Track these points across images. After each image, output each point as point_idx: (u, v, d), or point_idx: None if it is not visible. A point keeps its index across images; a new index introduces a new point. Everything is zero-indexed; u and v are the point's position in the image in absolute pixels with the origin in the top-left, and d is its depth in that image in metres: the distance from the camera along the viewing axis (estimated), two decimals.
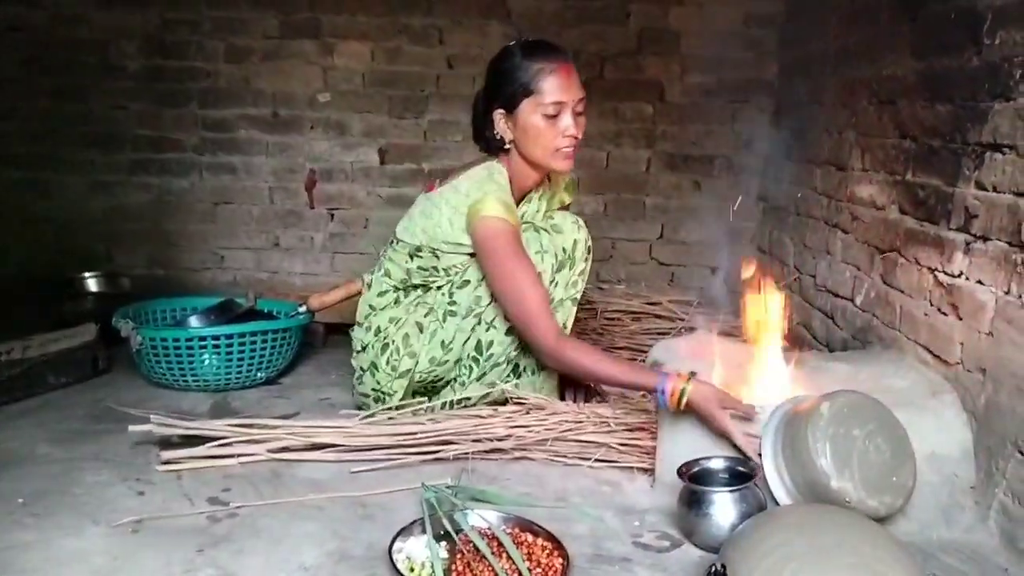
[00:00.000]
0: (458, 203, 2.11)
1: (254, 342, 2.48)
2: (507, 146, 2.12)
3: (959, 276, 1.88)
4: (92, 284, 3.23)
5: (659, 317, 3.15)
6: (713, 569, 1.34)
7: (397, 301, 2.25)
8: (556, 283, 2.17)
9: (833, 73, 2.79)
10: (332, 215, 3.64)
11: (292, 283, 3.64)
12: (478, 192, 2.07)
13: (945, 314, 1.93)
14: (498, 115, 2.10)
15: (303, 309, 2.61)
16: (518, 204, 2.21)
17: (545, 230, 2.19)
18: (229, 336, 2.45)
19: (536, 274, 2.06)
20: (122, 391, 2.48)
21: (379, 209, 3.61)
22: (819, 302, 2.77)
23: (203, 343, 2.44)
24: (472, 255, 2.13)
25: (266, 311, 2.77)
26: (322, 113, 3.55)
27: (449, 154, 3.52)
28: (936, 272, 1.98)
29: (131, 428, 1.97)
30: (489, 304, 2.14)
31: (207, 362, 2.47)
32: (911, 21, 2.20)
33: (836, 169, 2.68)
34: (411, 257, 2.19)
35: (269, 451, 1.96)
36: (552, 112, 2.04)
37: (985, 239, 1.78)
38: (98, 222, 3.58)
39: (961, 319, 1.86)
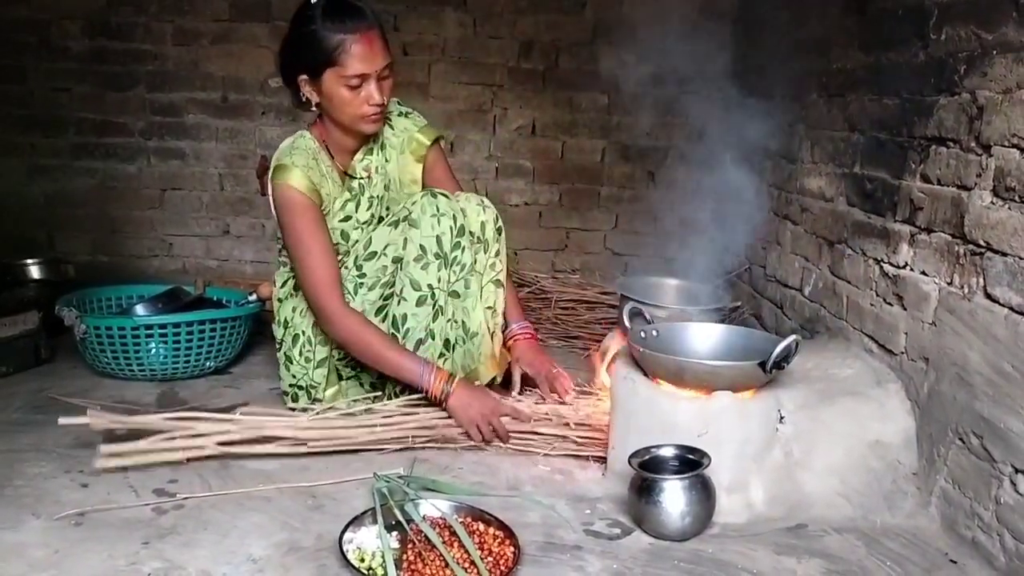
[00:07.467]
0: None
1: (203, 331, 2.43)
2: (314, 108, 2.11)
3: (904, 267, 1.92)
4: (34, 271, 3.12)
5: (613, 307, 3.17)
6: None
7: (296, 288, 2.18)
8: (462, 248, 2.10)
9: (784, 66, 2.82)
10: None
11: (243, 271, 3.59)
12: (278, 161, 2.08)
13: (890, 304, 1.97)
14: (302, 80, 2.07)
15: (253, 297, 2.58)
16: (353, 155, 2.18)
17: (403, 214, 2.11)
18: (177, 325, 2.40)
19: (328, 247, 2.06)
20: (65, 381, 2.42)
21: None
22: (769, 292, 2.81)
23: (150, 332, 2.39)
24: (343, 221, 2.14)
25: (215, 299, 2.72)
26: (273, 98, 3.49)
27: None
28: (882, 263, 2.02)
29: (61, 420, 1.84)
30: (396, 274, 2.09)
31: (154, 351, 2.41)
32: (860, 15, 2.23)
33: (786, 161, 2.72)
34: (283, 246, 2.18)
35: (217, 444, 1.92)
36: (355, 84, 2.01)
37: (929, 231, 1.82)
38: (39, 207, 3.49)
39: (905, 309, 1.90)
